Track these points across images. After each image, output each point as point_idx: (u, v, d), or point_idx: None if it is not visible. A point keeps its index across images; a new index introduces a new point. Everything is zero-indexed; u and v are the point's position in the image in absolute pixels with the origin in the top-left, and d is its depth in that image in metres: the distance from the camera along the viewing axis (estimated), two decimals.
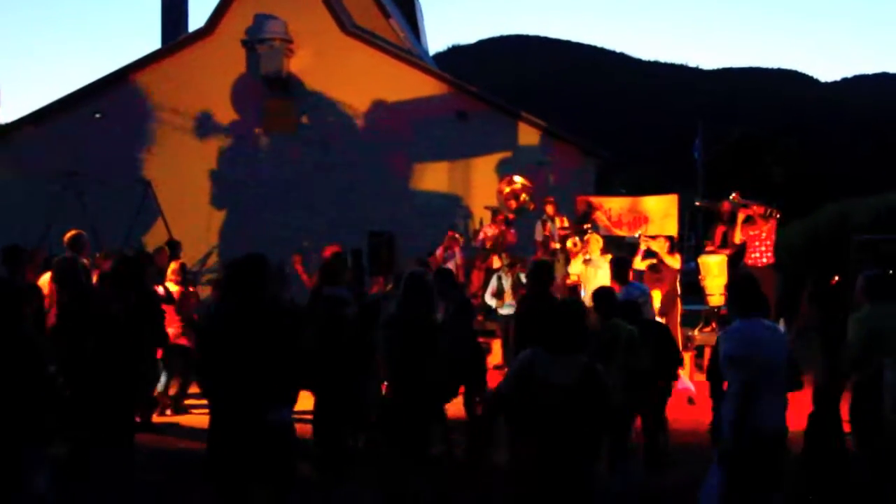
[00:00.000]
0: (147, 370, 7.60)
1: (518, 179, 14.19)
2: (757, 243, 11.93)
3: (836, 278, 11.25)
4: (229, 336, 5.02)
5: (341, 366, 6.73)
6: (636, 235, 12.77)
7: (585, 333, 4.73)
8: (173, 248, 12.21)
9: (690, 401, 9.29)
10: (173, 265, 10.13)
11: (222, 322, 5.13)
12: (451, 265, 12.16)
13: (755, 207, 12.24)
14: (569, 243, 12.08)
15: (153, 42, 23.15)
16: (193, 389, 8.87)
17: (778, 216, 12.11)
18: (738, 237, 12.05)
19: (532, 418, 4.49)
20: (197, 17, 51.48)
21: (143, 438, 7.61)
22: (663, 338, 7.28)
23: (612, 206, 14.36)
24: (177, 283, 9.75)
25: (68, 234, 9.00)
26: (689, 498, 5.50)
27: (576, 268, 11.69)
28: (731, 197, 12.60)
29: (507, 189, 14.12)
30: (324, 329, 6.83)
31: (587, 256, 11.29)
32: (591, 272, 11.31)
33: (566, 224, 13.12)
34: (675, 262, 11.58)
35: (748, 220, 12.00)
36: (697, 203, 15.90)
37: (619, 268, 8.36)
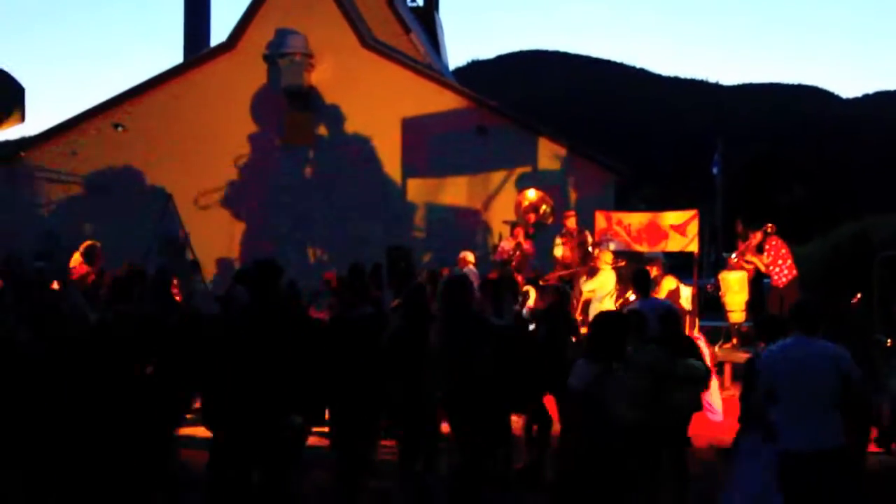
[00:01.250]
0: None
1: (536, 192, 14.15)
2: (771, 266, 12.07)
3: (858, 296, 11.20)
4: (244, 342, 5.04)
5: (360, 384, 6.65)
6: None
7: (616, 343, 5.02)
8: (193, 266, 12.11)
9: None
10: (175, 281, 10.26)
11: (235, 328, 5.16)
12: None
13: (752, 240, 12.36)
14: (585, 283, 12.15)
15: (176, 57, 23.34)
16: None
17: (771, 231, 12.19)
18: (763, 269, 12.22)
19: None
20: (219, 32, 51.98)
21: None
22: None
23: (632, 221, 14.24)
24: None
25: (83, 245, 9.22)
26: None
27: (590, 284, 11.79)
28: (730, 258, 12.66)
29: (526, 202, 14.07)
30: (346, 352, 6.75)
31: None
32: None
33: (590, 240, 13.02)
34: (670, 283, 11.51)
35: (758, 249, 12.20)
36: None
37: (638, 279, 8.07)
